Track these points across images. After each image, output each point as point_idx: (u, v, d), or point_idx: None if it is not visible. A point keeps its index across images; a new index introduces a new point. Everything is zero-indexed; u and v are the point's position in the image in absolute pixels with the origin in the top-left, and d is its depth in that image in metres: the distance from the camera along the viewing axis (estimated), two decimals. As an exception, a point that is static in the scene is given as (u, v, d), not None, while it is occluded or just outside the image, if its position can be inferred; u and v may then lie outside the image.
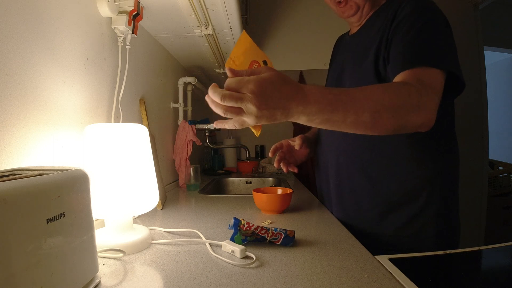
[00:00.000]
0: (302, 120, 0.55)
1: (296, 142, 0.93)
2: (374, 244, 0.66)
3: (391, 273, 0.51)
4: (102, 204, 0.59)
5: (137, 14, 0.86)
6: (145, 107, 1.06)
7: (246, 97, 0.48)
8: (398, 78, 0.65)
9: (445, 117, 0.75)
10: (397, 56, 0.69)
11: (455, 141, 0.80)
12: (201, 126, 1.51)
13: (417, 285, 0.47)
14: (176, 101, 1.49)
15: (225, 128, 0.55)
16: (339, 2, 0.82)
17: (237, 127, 0.53)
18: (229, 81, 0.50)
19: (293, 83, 0.53)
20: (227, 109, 0.50)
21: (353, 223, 0.81)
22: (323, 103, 0.53)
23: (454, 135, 0.80)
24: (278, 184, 1.66)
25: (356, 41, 0.86)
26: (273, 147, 0.97)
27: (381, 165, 0.77)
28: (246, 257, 0.58)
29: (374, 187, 0.79)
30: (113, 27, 0.83)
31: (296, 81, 0.54)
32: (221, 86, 0.50)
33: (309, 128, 0.97)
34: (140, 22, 0.92)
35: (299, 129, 2.28)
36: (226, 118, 0.53)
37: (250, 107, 0.48)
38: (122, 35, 0.85)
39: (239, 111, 0.50)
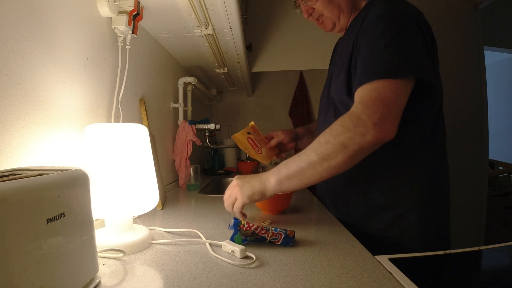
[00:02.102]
0: (272, 183, 0.73)
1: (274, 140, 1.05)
2: (363, 244, 0.66)
3: (391, 273, 0.51)
4: (102, 204, 0.59)
5: (137, 14, 0.86)
6: (145, 107, 1.06)
7: (232, 193, 0.77)
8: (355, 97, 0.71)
9: (425, 122, 0.76)
10: (356, 74, 0.71)
11: (441, 144, 0.80)
12: (201, 126, 1.51)
13: (417, 285, 0.47)
14: (176, 101, 1.48)
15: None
16: (317, 20, 0.88)
17: (237, 210, 0.76)
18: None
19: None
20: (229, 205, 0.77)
21: (344, 221, 0.82)
22: (278, 166, 0.74)
23: (440, 139, 0.80)
24: (278, 184, 1.65)
25: (342, 46, 0.89)
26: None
27: (362, 168, 0.74)
28: (246, 257, 0.58)
29: (357, 189, 0.80)
30: (113, 27, 0.83)
31: None
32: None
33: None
34: (140, 22, 0.92)
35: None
36: None
37: (236, 191, 0.76)
38: (122, 35, 0.85)
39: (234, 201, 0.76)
